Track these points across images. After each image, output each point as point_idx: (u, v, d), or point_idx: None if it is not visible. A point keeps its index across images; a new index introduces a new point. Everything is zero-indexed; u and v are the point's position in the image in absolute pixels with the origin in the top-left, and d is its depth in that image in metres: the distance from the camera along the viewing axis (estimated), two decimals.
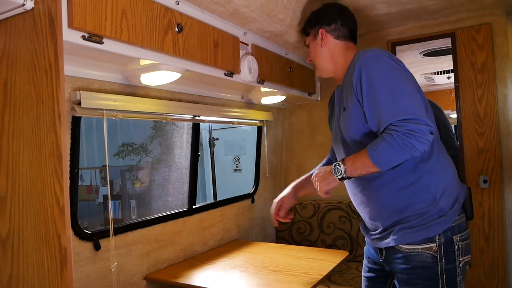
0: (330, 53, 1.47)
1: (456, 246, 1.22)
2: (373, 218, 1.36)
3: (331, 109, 1.56)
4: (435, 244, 1.21)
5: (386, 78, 1.20)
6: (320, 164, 1.67)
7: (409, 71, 1.27)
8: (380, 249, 1.35)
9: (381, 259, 1.36)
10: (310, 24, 1.52)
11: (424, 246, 1.22)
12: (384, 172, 1.22)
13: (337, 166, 1.27)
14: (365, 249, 1.53)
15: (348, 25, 1.47)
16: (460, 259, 1.23)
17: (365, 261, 1.52)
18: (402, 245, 1.26)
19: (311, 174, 1.50)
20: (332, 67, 1.47)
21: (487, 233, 2.27)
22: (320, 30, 1.47)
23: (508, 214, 2.26)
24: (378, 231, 1.34)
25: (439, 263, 1.22)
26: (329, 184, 1.31)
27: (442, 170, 1.28)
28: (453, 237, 1.22)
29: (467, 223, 1.30)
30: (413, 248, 1.24)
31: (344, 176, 1.26)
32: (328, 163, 1.67)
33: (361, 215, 1.43)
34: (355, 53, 1.36)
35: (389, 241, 1.28)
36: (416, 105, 1.15)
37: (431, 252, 1.22)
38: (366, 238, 1.47)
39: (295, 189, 1.64)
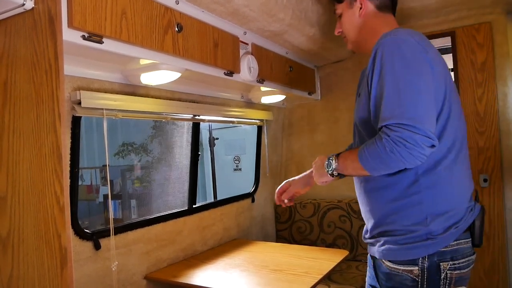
0: (368, 26, 1.26)
1: (443, 275, 1.07)
2: (365, 219, 1.26)
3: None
4: (417, 268, 1.08)
5: (398, 69, 1.03)
6: (346, 148, 1.44)
7: (437, 61, 1.10)
8: (372, 256, 1.24)
9: (373, 266, 1.24)
10: None
11: (405, 267, 1.09)
12: (378, 177, 1.10)
13: (330, 160, 1.14)
14: None
15: None
16: None
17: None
18: (385, 260, 1.14)
19: None
20: (368, 43, 1.23)
21: (488, 232, 2.27)
22: None
23: (508, 213, 2.26)
24: (367, 235, 1.24)
25: None
26: (322, 176, 1.19)
27: (449, 188, 1.10)
28: (440, 263, 1.07)
29: (472, 251, 1.12)
30: (394, 268, 1.11)
31: (334, 173, 1.14)
32: (349, 148, 1.43)
33: None
34: (384, 32, 1.13)
35: (375, 251, 1.18)
36: (422, 108, 0.98)
37: (411, 275, 1.08)
38: None
39: (308, 176, 1.45)
